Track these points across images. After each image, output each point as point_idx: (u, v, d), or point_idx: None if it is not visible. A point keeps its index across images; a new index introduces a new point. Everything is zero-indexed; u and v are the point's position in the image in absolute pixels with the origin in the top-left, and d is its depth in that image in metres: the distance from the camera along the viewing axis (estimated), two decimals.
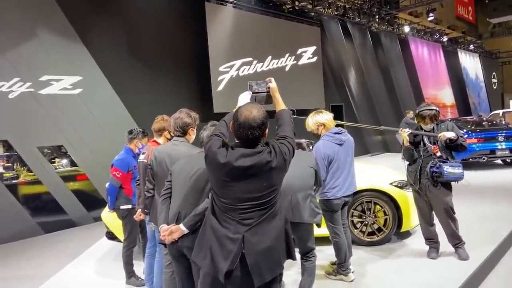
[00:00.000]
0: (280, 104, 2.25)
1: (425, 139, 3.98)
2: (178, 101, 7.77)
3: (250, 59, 10.26)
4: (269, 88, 2.30)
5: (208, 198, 2.38)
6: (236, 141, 2.01)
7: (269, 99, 2.31)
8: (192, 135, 3.02)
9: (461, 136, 3.88)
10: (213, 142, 2.00)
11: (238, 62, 9.97)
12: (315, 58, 12.26)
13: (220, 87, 9.49)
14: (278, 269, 2.00)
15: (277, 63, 11.05)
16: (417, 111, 4.08)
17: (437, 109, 4.02)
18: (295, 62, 11.62)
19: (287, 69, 11.38)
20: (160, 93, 8.09)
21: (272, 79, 2.30)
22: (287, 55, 11.38)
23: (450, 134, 3.80)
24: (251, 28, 10.30)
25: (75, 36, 6.77)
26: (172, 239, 2.36)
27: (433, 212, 4.09)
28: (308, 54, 12.03)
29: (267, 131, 2.00)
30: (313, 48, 12.19)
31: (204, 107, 8.79)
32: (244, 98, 2.27)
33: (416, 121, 4.12)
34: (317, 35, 12.37)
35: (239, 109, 1.98)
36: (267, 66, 10.75)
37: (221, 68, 9.54)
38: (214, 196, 2.01)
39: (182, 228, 2.33)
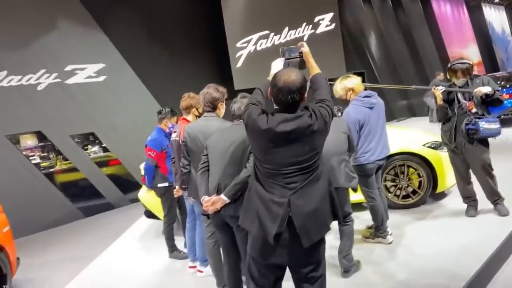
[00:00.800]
0: (314, 68, 2.23)
1: (459, 95, 3.86)
2: (198, 81, 7.69)
3: (266, 32, 10.08)
4: (301, 53, 2.26)
5: (246, 168, 2.43)
6: (275, 107, 2.01)
7: (302, 64, 2.29)
8: (221, 109, 3.05)
9: (497, 90, 3.73)
10: (252, 110, 2.01)
11: (255, 36, 9.83)
12: (333, 25, 11.88)
13: (239, 64, 9.43)
14: (325, 230, 2.03)
15: (294, 34, 10.82)
16: (448, 66, 3.94)
17: (470, 62, 3.87)
18: (312, 31, 11.32)
19: (305, 38, 11.09)
20: (180, 74, 8.12)
21: (305, 43, 2.28)
22: (304, 24, 11.09)
23: (486, 89, 3.66)
24: (265, 0, 10.07)
25: (95, 24, 6.83)
26: (215, 209, 2.43)
27: (470, 170, 4.01)
28: (325, 22, 11.67)
29: (306, 94, 1.99)
30: (331, 14, 11.80)
31: (224, 85, 8.69)
32: (277, 65, 2.25)
33: (448, 77, 3.98)
34: (333, 0, 11.97)
35: (277, 74, 1.97)
36: (285, 37, 10.55)
37: (238, 44, 9.44)
38: (257, 162, 2.03)
39: (224, 198, 2.39)
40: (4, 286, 3.53)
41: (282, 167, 1.93)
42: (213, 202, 2.43)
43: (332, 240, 3.83)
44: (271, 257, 1.98)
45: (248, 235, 2.12)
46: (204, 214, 2.64)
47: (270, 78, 2.16)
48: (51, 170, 6.50)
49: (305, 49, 2.24)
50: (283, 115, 1.91)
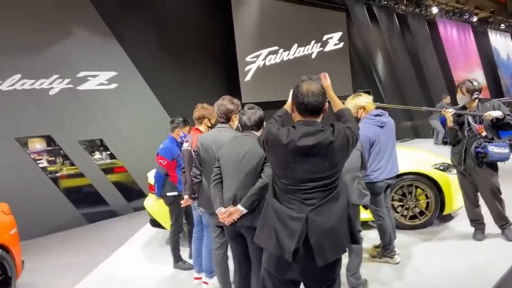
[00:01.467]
0: (337, 103, 2.21)
1: (470, 118, 3.90)
2: (207, 92, 7.85)
3: (276, 48, 10.22)
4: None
5: (261, 177, 2.45)
6: (297, 121, 2.04)
7: None
8: (235, 121, 3.07)
9: (508, 115, 3.77)
10: (271, 126, 2.05)
11: (264, 52, 9.95)
12: (341, 44, 12.08)
13: (248, 77, 9.52)
14: (341, 251, 2.01)
15: (303, 51, 10.97)
16: (457, 85, 4.02)
17: (477, 87, 3.90)
18: (321, 49, 11.49)
19: (313, 56, 11.28)
20: (190, 85, 8.19)
21: (327, 75, 2.22)
22: (313, 42, 11.26)
23: (497, 113, 3.70)
24: (276, 16, 10.24)
25: (108, 32, 6.94)
26: (232, 220, 2.44)
27: (478, 193, 4.02)
28: (334, 40, 11.86)
29: (327, 105, 2.02)
30: (339, 34, 12.01)
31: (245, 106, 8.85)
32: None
33: (456, 92, 4.03)
34: (342, 20, 12.18)
35: (298, 86, 2.01)
36: (293, 54, 10.69)
37: (247, 58, 9.55)
38: (276, 178, 2.03)
39: (241, 209, 2.41)
40: None
41: (301, 182, 1.93)
42: (230, 213, 2.44)
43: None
44: (287, 273, 1.97)
45: (264, 252, 2.11)
46: (218, 226, 2.64)
47: (287, 106, 2.21)
48: (57, 174, 6.51)
49: (326, 82, 2.19)
50: (305, 128, 1.94)
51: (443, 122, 8.65)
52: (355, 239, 2.07)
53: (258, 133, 2.71)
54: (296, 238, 1.89)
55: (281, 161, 1.98)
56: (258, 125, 2.69)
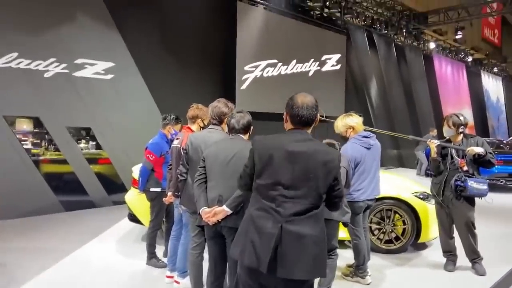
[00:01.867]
0: None
1: (453, 152, 4.02)
2: (202, 95, 7.87)
3: (275, 61, 10.36)
4: None
5: None
6: (289, 129, 2.10)
7: None
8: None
9: (490, 153, 3.90)
10: (257, 137, 2.16)
11: (263, 63, 10.08)
12: (338, 66, 12.31)
13: (244, 86, 9.61)
14: (310, 274, 1.97)
15: (301, 67, 11.14)
16: (444, 117, 4.15)
17: (463, 122, 4.03)
18: (318, 68, 11.69)
19: (310, 74, 11.46)
20: (185, 85, 8.23)
21: None
22: (312, 60, 11.45)
23: (479, 150, 3.82)
24: (279, 31, 10.41)
25: (112, 23, 6.96)
26: (216, 220, 2.46)
27: (454, 225, 4.12)
28: (332, 61, 12.09)
29: (318, 116, 2.12)
30: (338, 56, 12.25)
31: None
32: None
33: (442, 124, 4.17)
34: (342, 43, 12.44)
35: (293, 98, 2.09)
36: (291, 69, 10.85)
37: (246, 67, 9.66)
38: (257, 185, 2.06)
39: (226, 209, 2.45)
40: None
41: (281, 187, 1.96)
42: (215, 213, 2.47)
43: None
44: (260, 278, 1.99)
45: (238, 263, 2.11)
46: (199, 226, 2.66)
47: None
48: (40, 158, 6.44)
49: None
50: (297, 135, 2.03)
51: (427, 154, 8.84)
52: (320, 271, 2.03)
53: (245, 137, 2.77)
54: (270, 250, 1.90)
55: (265, 163, 2.01)
56: (245, 129, 2.75)
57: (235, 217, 2.45)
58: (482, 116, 21.47)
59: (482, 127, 21.17)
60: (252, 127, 2.81)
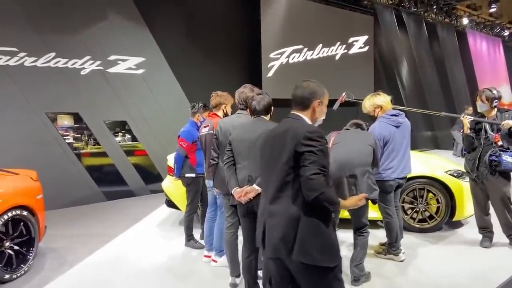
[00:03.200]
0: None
1: (487, 127, 3.93)
2: (229, 84, 7.94)
3: (300, 46, 10.32)
4: None
5: None
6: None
7: None
8: None
9: None
10: None
11: (288, 49, 10.07)
12: (366, 48, 12.08)
13: (270, 73, 9.66)
14: (271, 252, 1.96)
15: (327, 52, 11.03)
16: (477, 93, 4.07)
17: (497, 95, 3.92)
18: (345, 51, 11.52)
19: (337, 57, 11.32)
20: (212, 76, 8.38)
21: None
22: (338, 43, 11.30)
23: None
24: (303, 16, 10.33)
25: (141, 20, 7.21)
26: (248, 199, 2.60)
27: (489, 201, 4.05)
28: (359, 44, 11.87)
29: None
30: (365, 37, 12.01)
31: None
32: None
33: (474, 100, 4.09)
34: (369, 24, 12.16)
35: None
36: (317, 54, 10.77)
37: (272, 55, 9.69)
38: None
39: (257, 188, 2.57)
40: (31, 249, 3.78)
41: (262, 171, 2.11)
42: (247, 192, 2.60)
43: (344, 250, 3.94)
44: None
45: None
46: (233, 205, 2.81)
47: None
48: (82, 151, 6.83)
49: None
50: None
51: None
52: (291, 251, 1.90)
53: (266, 118, 2.89)
54: (261, 227, 2.02)
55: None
56: (266, 110, 2.87)
57: None
58: None
59: None
60: (272, 108, 2.92)
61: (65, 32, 6.40)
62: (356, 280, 3.29)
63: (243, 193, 2.62)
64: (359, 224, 3.34)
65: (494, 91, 3.93)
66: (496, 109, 3.97)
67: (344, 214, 3.69)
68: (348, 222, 3.69)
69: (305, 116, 2.04)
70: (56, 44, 6.30)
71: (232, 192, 2.73)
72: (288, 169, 1.89)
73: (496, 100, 3.93)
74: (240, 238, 3.03)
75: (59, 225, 5.21)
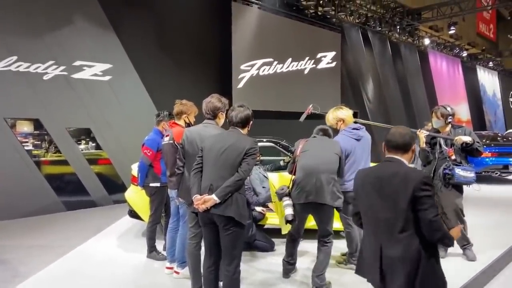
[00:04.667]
0: None
1: (442, 141, 4.14)
2: (199, 94, 7.89)
3: (271, 59, 10.50)
4: None
5: (238, 172, 2.63)
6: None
7: None
8: (221, 118, 3.23)
9: (478, 142, 4.03)
10: None
11: (259, 62, 10.21)
12: (334, 64, 12.45)
13: (240, 85, 9.74)
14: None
15: (296, 66, 11.28)
16: (432, 109, 4.29)
17: (451, 112, 4.15)
18: (314, 65, 11.83)
19: (306, 72, 11.60)
20: (182, 85, 8.35)
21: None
22: (307, 58, 11.59)
23: (466, 138, 3.95)
24: (274, 30, 10.55)
25: (108, 25, 7.09)
26: (205, 208, 2.60)
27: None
28: (327, 59, 12.23)
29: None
30: (333, 53, 12.39)
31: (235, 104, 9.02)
32: None
33: (431, 116, 4.30)
34: (337, 41, 12.57)
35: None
36: (287, 67, 10.98)
37: (242, 66, 9.79)
38: None
39: (215, 198, 2.58)
40: None
41: None
42: (205, 200, 2.61)
43: (305, 260, 3.99)
44: None
45: None
46: (194, 212, 2.80)
47: None
48: (41, 159, 6.57)
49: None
50: None
51: None
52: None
53: (243, 131, 2.88)
54: None
55: None
56: (243, 123, 2.88)
57: (223, 206, 2.59)
58: (479, 111, 21.61)
59: (479, 122, 21.30)
60: (251, 122, 2.93)
61: (28, 36, 6.19)
62: None
63: (201, 201, 2.62)
64: (324, 232, 3.41)
65: (449, 108, 4.17)
66: (450, 125, 4.20)
67: (309, 224, 3.76)
68: (311, 232, 3.75)
69: (405, 160, 2.15)
70: (18, 48, 6.09)
71: (193, 198, 2.73)
72: (408, 214, 1.97)
73: (451, 117, 4.16)
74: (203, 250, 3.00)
75: (14, 236, 4.97)
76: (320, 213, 3.35)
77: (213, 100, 3.19)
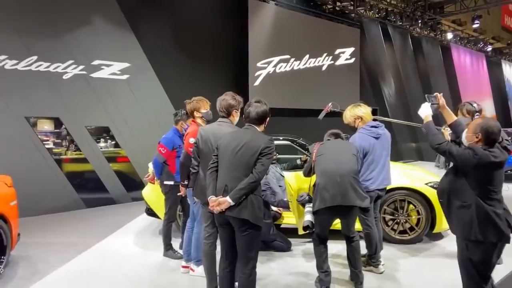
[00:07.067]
0: (450, 116, 2.91)
1: None
2: (215, 92, 7.91)
3: (287, 56, 10.39)
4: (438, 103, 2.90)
5: (252, 173, 2.55)
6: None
7: (438, 109, 2.95)
8: (235, 116, 3.15)
9: (506, 140, 3.83)
10: None
11: (276, 59, 10.12)
12: (352, 60, 12.23)
13: (257, 82, 9.67)
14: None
15: (314, 62, 11.12)
16: (457, 106, 4.11)
17: (477, 108, 3.97)
18: (332, 62, 11.64)
19: (323, 68, 11.43)
20: (199, 83, 8.34)
21: (441, 96, 2.93)
22: (325, 54, 11.42)
23: None
24: (291, 26, 10.43)
25: (126, 24, 7.15)
26: (220, 210, 2.55)
27: None
28: (346, 55, 12.01)
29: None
30: (351, 49, 12.17)
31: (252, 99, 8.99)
32: (425, 107, 2.90)
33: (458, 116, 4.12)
34: (356, 36, 12.33)
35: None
36: (304, 64, 10.85)
37: (259, 64, 9.72)
38: None
39: (229, 201, 2.53)
40: (2, 257, 3.65)
41: None
42: (219, 203, 2.55)
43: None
44: None
45: None
46: (210, 212, 2.76)
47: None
48: (62, 157, 6.68)
49: (442, 101, 2.91)
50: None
51: None
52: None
53: (259, 128, 2.78)
54: None
55: None
56: (260, 119, 2.76)
57: (238, 208, 2.54)
58: (504, 107, 20.89)
59: (504, 118, 20.55)
60: (268, 119, 2.82)
61: (48, 36, 6.30)
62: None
63: (216, 203, 2.57)
64: (351, 233, 3.37)
65: (475, 105, 3.98)
66: None
67: (336, 226, 3.66)
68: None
69: None
70: (38, 48, 6.20)
71: (208, 199, 2.68)
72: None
73: (477, 114, 3.97)
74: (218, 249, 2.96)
75: (34, 233, 5.06)
76: (348, 215, 3.27)
77: (227, 97, 3.12)
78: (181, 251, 4.14)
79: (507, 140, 3.83)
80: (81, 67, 6.63)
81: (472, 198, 2.47)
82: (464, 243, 2.60)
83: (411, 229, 4.62)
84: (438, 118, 3.19)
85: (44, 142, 6.47)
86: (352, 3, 11.48)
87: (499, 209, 2.45)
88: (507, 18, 21.34)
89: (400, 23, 13.49)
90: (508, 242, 2.44)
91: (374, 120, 3.86)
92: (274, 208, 4.63)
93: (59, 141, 6.73)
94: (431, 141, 2.72)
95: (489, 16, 15.70)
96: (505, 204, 2.53)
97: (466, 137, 2.65)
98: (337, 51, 11.75)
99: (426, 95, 2.87)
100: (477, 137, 2.51)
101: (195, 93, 3.90)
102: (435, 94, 2.90)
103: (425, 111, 2.88)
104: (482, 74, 19.21)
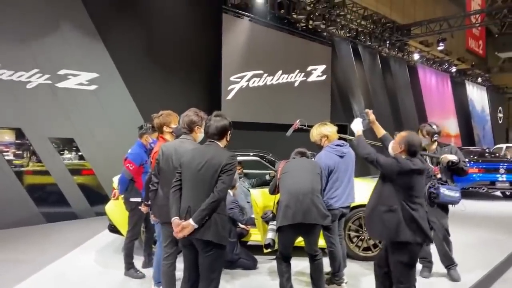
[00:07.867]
0: (380, 130, 3.52)
1: (428, 160, 4.10)
2: (187, 105, 7.84)
3: (261, 71, 10.49)
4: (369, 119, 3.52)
5: (213, 192, 2.51)
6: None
7: (369, 124, 3.47)
8: (198, 133, 3.09)
9: (463, 161, 3.99)
10: None
11: (249, 74, 10.20)
12: (324, 77, 12.50)
13: (230, 96, 9.69)
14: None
15: (286, 78, 11.29)
16: (418, 127, 4.25)
17: (436, 130, 4.12)
18: (304, 78, 11.85)
19: (296, 84, 11.61)
20: (170, 95, 8.24)
21: (370, 112, 3.59)
22: (297, 71, 11.62)
23: (452, 157, 3.91)
24: (264, 42, 10.56)
25: (95, 33, 7.01)
26: (184, 235, 2.49)
27: None
28: (317, 72, 12.27)
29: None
30: (323, 66, 12.44)
31: (211, 113, 8.95)
32: (357, 122, 3.43)
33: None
34: (328, 54, 12.64)
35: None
36: (277, 80, 10.98)
37: (232, 78, 9.76)
38: None
39: (192, 224, 2.47)
40: None
41: None
42: (183, 227, 2.50)
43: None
44: None
45: None
46: (170, 231, 2.70)
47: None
48: (22, 169, 6.40)
49: (372, 117, 3.57)
50: None
51: None
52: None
53: (221, 143, 2.72)
54: None
55: None
56: (219, 134, 2.70)
57: (202, 230, 2.49)
58: (468, 125, 21.85)
59: (468, 136, 21.52)
60: (229, 133, 2.75)
61: (12, 43, 6.08)
62: None
63: (180, 228, 2.51)
64: (313, 252, 3.39)
65: (434, 126, 4.13)
66: (436, 143, 4.17)
67: (300, 243, 3.65)
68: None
69: None
70: (1, 55, 5.97)
71: (172, 221, 2.60)
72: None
73: (436, 135, 4.12)
74: (180, 268, 2.88)
75: None
76: (310, 233, 3.29)
77: (190, 113, 3.06)
78: (143, 270, 4.02)
79: (464, 161, 4.01)
80: (46, 76, 6.43)
81: (398, 203, 2.84)
82: (392, 247, 2.88)
83: (375, 246, 4.68)
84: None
85: (4, 153, 6.19)
86: (324, 22, 11.79)
87: (422, 212, 2.84)
88: (471, 41, 22.57)
89: (370, 43, 13.96)
90: (431, 242, 2.83)
91: (340, 139, 3.94)
92: (241, 225, 4.59)
93: (19, 152, 6.45)
94: (361, 152, 3.08)
95: (454, 39, 16.55)
96: (427, 209, 2.95)
97: (392, 147, 3.13)
98: (309, 68, 11.98)
99: (359, 112, 3.26)
100: (401, 148, 2.95)
101: (167, 106, 3.79)
102: (366, 110, 3.23)
103: (357, 126, 3.32)
104: (447, 94, 20.10)
